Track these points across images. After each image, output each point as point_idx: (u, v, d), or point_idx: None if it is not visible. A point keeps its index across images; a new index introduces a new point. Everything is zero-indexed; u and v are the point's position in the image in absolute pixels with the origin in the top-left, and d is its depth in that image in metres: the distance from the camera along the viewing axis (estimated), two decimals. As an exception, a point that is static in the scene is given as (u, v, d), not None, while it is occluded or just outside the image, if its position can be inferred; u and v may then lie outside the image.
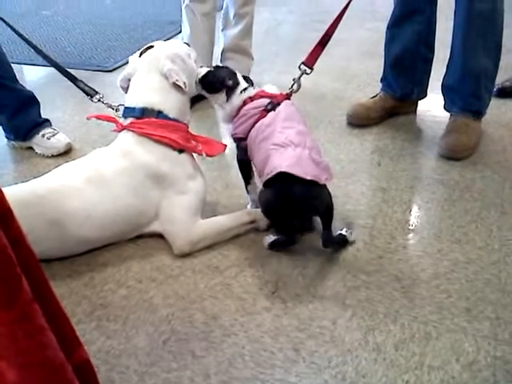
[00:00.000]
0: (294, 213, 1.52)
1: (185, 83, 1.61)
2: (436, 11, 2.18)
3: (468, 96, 2.11)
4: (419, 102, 2.41)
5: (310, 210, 1.54)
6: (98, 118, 1.72)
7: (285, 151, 1.49)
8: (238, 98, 1.66)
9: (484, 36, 2.02)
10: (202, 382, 1.22)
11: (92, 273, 1.56)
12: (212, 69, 1.72)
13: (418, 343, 1.29)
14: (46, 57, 1.80)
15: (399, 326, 1.34)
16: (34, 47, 1.81)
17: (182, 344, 1.32)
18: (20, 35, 1.80)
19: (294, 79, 1.70)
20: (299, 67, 1.71)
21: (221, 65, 1.75)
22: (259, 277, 1.51)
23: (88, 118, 1.76)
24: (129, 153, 1.59)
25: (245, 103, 1.64)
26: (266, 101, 1.63)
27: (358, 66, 2.94)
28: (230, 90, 1.66)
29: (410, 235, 1.67)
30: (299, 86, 1.69)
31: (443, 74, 2.19)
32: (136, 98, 1.63)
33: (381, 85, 2.38)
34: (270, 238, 1.60)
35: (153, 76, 1.63)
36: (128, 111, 1.64)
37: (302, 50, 3.04)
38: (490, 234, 1.65)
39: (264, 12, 3.80)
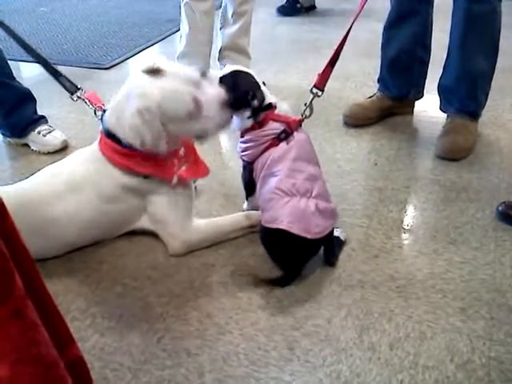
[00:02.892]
0: (295, 259, 1.48)
1: (143, 142, 1.40)
2: (432, 12, 2.19)
3: (464, 97, 2.11)
4: (416, 103, 2.41)
5: (311, 255, 1.49)
6: (90, 101, 1.64)
7: (289, 202, 1.42)
8: (245, 121, 1.54)
9: (482, 37, 2.02)
10: (197, 379, 1.22)
11: (87, 270, 1.56)
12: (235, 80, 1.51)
13: (412, 343, 1.29)
14: (26, 47, 1.72)
15: (394, 326, 1.34)
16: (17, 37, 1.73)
17: (177, 342, 1.32)
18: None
19: (305, 104, 1.58)
20: (311, 91, 1.60)
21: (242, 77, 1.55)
22: (255, 275, 1.51)
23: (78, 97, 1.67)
24: (99, 161, 1.52)
25: (253, 128, 1.54)
26: (278, 127, 1.52)
27: (355, 65, 2.94)
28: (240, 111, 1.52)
29: (406, 235, 1.67)
30: (312, 111, 1.58)
31: (440, 74, 2.20)
32: (110, 114, 1.51)
33: (378, 85, 2.39)
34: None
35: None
36: (102, 121, 1.55)
37: (299, 50, 3.05)
38: (485, 234, 1.65)
39: (262, 11, 3.79)
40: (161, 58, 1.48)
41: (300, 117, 1.57)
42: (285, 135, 1.51)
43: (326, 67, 1.61)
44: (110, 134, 1.50)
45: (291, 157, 1.49)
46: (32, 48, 1.73)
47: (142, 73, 1.43)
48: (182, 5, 2.51)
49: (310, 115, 1.59)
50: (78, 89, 1.67)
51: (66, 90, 1.67)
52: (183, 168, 1.56)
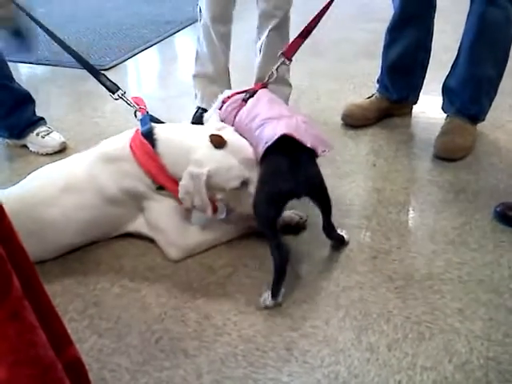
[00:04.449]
0: (292, 184, 1.39)
1: (192, 202, 1.48)
2: (434, 16, 2.18)
3: (467, 100, 2.10)
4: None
5: (307, 181, 1.41)
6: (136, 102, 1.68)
7: (280, 121, 1.44)
8: (213, 110, 1.70)
9: (494, 44, 2.00)
10: (195, 381, 1.22)
11: (85, 271, 1.56)
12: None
13: (410, 343, 1.29)
14: (67, 48, 1.75)
15: (392, 326, 1.34)
16: (59, 40, 1.76)
17: (175, 343, 1.32)
18: (39, 24, 1.75)
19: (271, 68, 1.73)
20: (279, 57, 1.74)
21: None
22: (253, 276, 1.51)
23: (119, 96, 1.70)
24: (109, 160, 1.56)
25: (223, 103, 1.68)
26: (242, 94, 1.65)
27: (354, 66, 2.94)
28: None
29: (404, 236, 1.67)
30: (276, 76, 1.72)
31: (439, 76, 2.20)
32: (165, 137, 1.54)
33: (377, 85, 2.38)
34: (267, 297, 1.41)
35: (184, 138, 1.53)
36: (143, 123, 1.59)
37: (298, 52, 3.00)
38: (483, 235, 1.65)
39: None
40: (229, 129, 1.56)
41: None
42: (250, 94, 1.63)
43: (297, 38, 1.74)
44: (148, 138, 1.53)
45: (265, 100, 1.59)
46: (73, 49, 1.78)
47: (208, 136, 1.50)
48: (199, 24, 2.34)
49: (274, 80, 1.73)
50: (119, 88, 1.70)
51: (107, 89, 1.70)
52: None
